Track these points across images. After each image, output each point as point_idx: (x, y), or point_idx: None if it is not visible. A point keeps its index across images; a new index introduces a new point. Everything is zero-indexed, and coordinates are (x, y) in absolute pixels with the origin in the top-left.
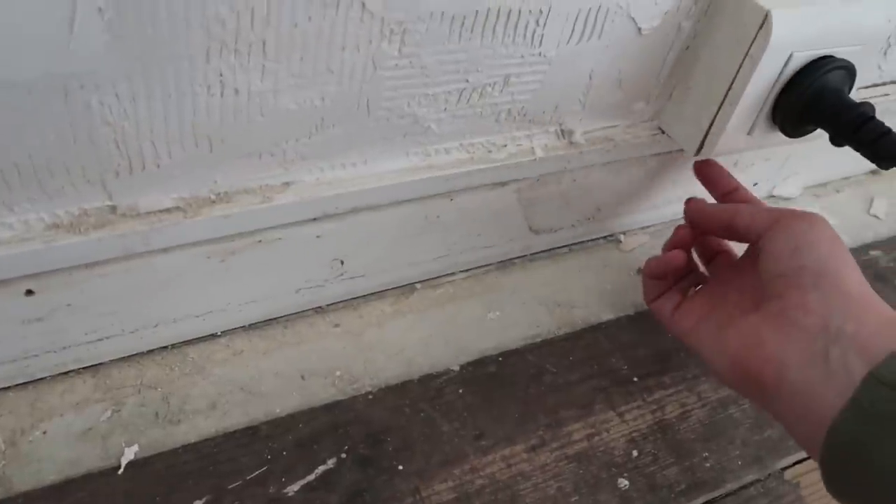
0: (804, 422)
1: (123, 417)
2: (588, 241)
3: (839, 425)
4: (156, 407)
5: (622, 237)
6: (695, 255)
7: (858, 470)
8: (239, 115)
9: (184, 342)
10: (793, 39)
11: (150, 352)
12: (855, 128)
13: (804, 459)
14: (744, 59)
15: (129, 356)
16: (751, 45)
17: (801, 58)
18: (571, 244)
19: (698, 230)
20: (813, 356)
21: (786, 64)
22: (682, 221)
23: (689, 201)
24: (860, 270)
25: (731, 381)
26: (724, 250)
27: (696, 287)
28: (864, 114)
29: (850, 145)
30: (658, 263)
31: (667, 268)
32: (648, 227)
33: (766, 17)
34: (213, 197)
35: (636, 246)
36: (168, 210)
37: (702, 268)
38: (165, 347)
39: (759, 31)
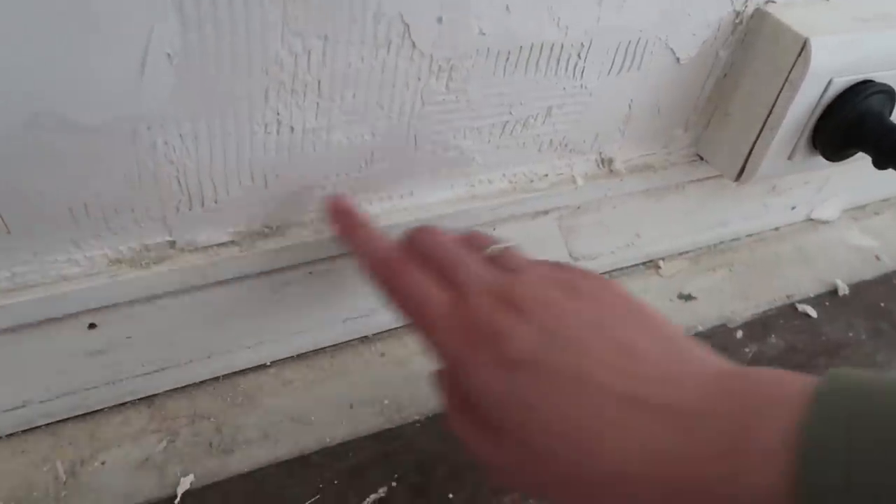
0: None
1: (178, 447)
2: (627, 267)
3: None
4: (209, 437)
5: (662, 263)
6: None
7: None
8: (293, 151)
9: (234, 373)
10: (832, 65)
11: (203, 382)
12: None
13: None
14: (783, 86)
15: (182, 387)
16: (790, 71)
17: (841, 83)
18: (611, 270)
19: None
20: (724, 452)
21: (825, 89)
22: (722, 245)
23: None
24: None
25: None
26: None
27: None
28: None
29: (893, 167)
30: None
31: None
32: (688, 252)
33: (805, 45)
34: (266, 230)
35: (676, 272)
36: (224, 244)
37: None
38: (217, 378)
39: (798, 57)
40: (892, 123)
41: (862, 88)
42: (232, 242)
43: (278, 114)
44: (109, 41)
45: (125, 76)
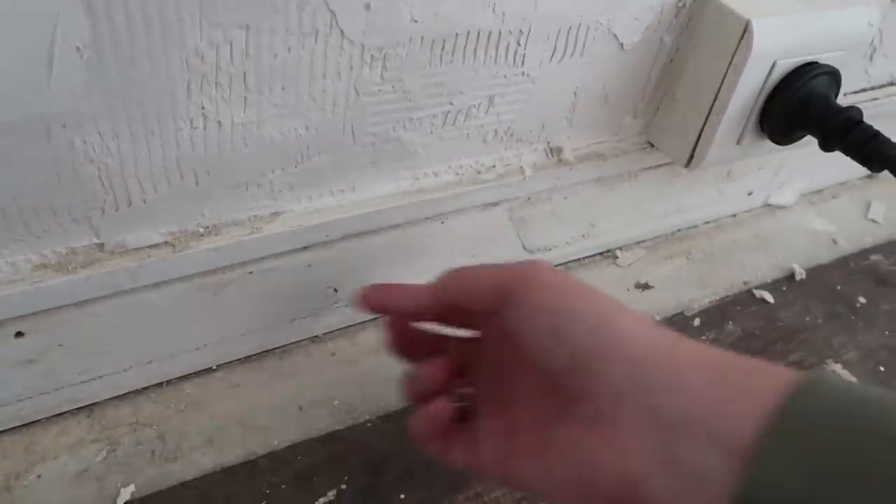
0: None
1: (119, 457)
2: (584, 257)
3: None
4: (152, 445)
5: (619, 252)
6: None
7: None
8: (223, 146)
9: (179, 377)
10: (775, 47)
11: (146, 389)
12: (843, 133)
13: None
14: (727, 70)
15: (123, 394)
16: (733, 55)
17: (785, 65)
18: (567, 262)
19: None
20: (660, 463)
21: (770, 72)
22: (680, 233)
23: (364, 293)
24: (634, 312)
25: None
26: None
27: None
28: (852, 118)
29: (840, 150)
30: (425, 420)
31: (435, 416)
32: (645, 241)
33: (747, 27)
34: (201, 230)
35: (633, 261)
36: (157, 245)
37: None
38: (161, 384)
39: (740, 40)
40: (837, 105)
41: (807, 70)
42: (165, 243)
43: (203, 108)
44: (10, 34)
45: (31, 72)
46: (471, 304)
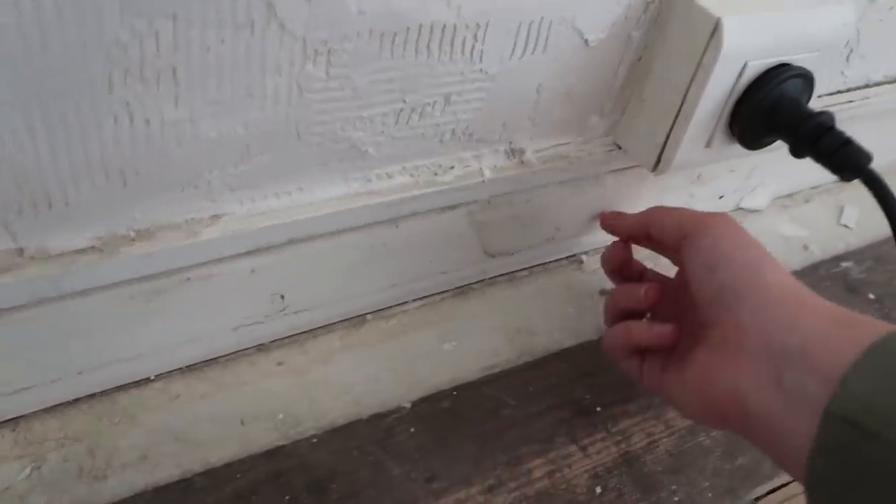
0: (780, 453)
1: (44, 475)
2: (549, 262)
3: (812, 468)
4: (80, 462)
5: (584, 257)
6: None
7: None
8: (152, 145)
9: (114, 389)
10: (746, 48)
11: (76, 401)
12: (814, 139)
13: (779, 488)
14: (697, 70)
15: (51, 407)
16: (703, 54)
17: (757, 66)
18: (531, 266)
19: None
20: (767, 384)
21: (740, 73)
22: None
23: (602, 216)
24: (782, 268)
25: (704, 421)
26: (653, 279)
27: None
28: (823, 124)
29: (811, 157)
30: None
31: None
32: None
33: (717, 25)
34: (132, 234)
35: (599, 266)
36: (82, 251)
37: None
38: (93, 395)
39: (710, 39)
40: (808, 110)
41: (779, 72)
42: (92, 248)
43: (128, 104)
44: None
45: None
46: (662, 238)
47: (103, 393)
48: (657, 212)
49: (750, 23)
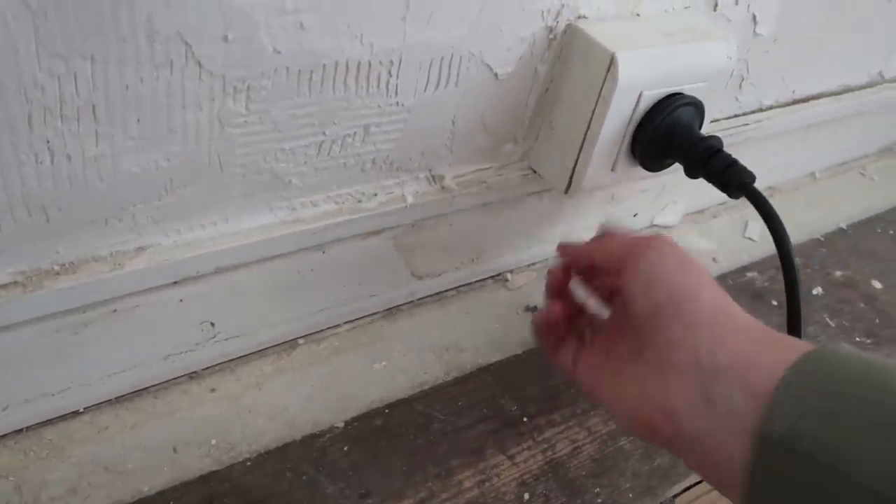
0: (714, 473)
1: None
2: (475, 282)
3: (750, 490)
4: (7, 498)
5: (509, 276)
6: (580, 293)
7: None
8: (75, 181)
9: (40, 423)
10: (641, 79)
11: (2, 437)
12: (704, 161)
13: (694, 485)
14: (598, 100)
15: None
16: (602, 86)
17: (651, 96)
18: (458, 286)
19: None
20: (697, 400)
21: (637, 102)
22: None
23: (560, 247)
24: (718, 288)
25: (636, 435)
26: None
27: (591, 328)
28: (712, 147)
29: (703, 177)
30: (541, 323)
31: (550, 324)
32: (534, 263)
33: (613, 60)
34: (56, 268)
35: (523, 283)
36: (5, 285)
37: (591, 306)
38: (20, 431)
39: (607, 72)
40: (700, 134)
41: (672, 101)
42: (14, 283)
43: (48, 142)
44: None
45: None
46: (604, 262)
47: (29, 428)
48: (602, 237)
49: (642, 56)
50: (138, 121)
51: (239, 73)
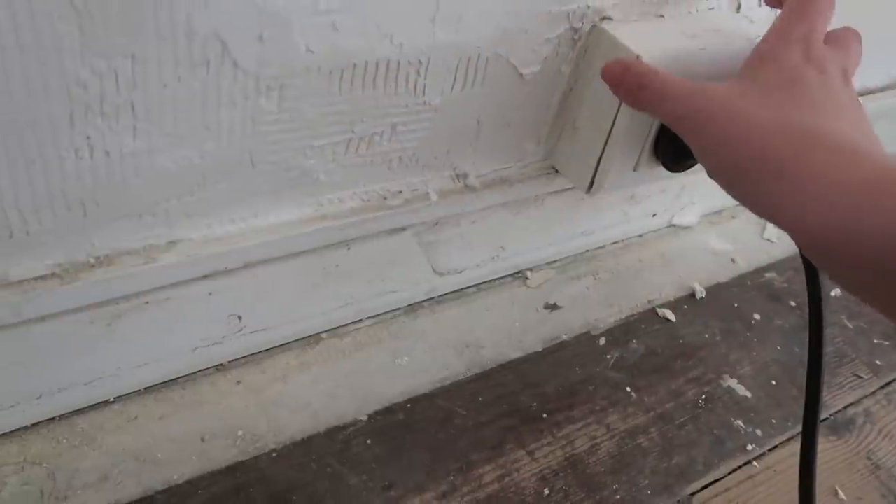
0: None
1: (5, 499)
2: (495, 279)
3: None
4: (40, 484)
5: (529, 274)
6: None
7: None
8: (112, 176)
9: (73, 412)
10: None
11: (35, 425)
12: None
13: (711, 483)
14: (622, 101)
15: (10, 432)
16: None
17: None
18: (479, 283)
19: None
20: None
21: None
22: (588, 253)
23: None
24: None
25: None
26: None
27: None
28: None
29: None
30: None
31: None
32: (554, 262)
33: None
34: (92, 261)
35: (543, 282)
36: (43, 277)
37: None
38: (53, 419)
39: None
40: None
41: None
42: (52, 275)
43: (89, 138)
44: None
45: None
46: None
47: (62, 416)
48: None
49: (666, 57)
50: (174, 118)
51: (272, 72)
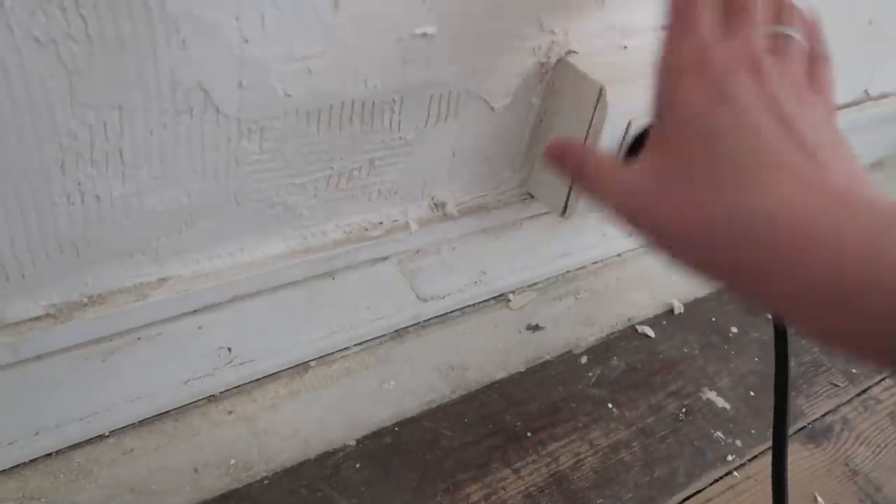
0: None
1: None
2: (478, 303)
3: None
4: None
5: (511, 296)
6: None
7: None
8: (103, 219)
9: (69, 447)
10: (629, 108)
11: (33, 461)
12: None
13: (693, 495)
14: (589, 129)
15: (9, 468)
16: (592, 116)
17: (639, 124)
18: (462, 307)
19: None
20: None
21: (626, 130)
22: (568, 274)
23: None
24: None
25: (702, 254)
26: None
27: None
28: None
29: None
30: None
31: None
32: (535, 283)
33: (601, 91)
34: (85, 300)
35: (524, 303)
36: (38, 318)
37: None
38: (50, 455)
39: (597, 103)
40: None
41: None
42: (47, 315)
43: (80, 184)
44: None
45: None
46: None
47: (59, 451)
48: None
49: (629, 87)
50: (161, 162)
51: (253, 116)
